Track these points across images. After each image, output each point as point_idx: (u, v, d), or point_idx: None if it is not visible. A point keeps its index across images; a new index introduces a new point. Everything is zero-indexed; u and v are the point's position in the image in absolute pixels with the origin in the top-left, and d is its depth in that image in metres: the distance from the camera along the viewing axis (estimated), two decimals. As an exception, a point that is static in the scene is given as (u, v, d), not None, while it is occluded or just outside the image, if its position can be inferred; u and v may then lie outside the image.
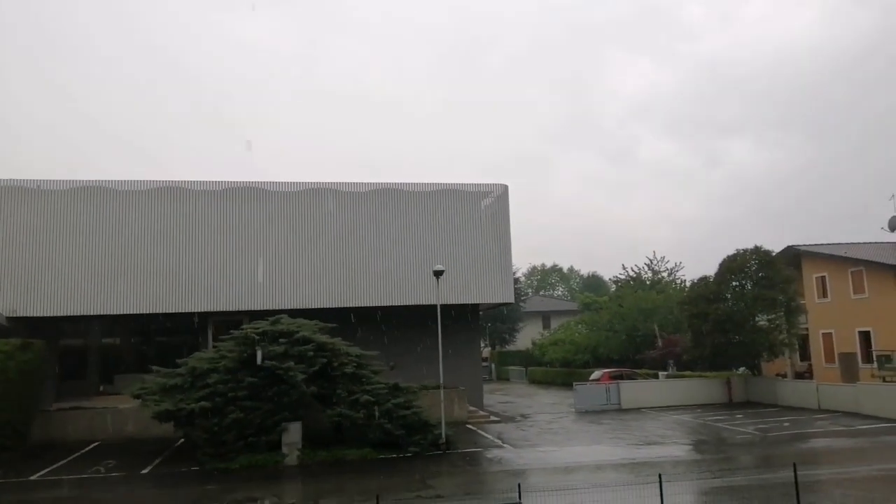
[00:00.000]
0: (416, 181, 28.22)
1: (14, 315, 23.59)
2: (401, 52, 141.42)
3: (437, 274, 21.54)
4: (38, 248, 24.36)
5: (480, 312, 31.78)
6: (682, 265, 68.15)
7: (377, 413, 19.41)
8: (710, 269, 32.90)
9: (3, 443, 19.97)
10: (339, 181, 27.53)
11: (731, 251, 31.52)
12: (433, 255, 26.52)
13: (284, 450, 18.73)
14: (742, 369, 33.28)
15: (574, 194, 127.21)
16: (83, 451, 20.97)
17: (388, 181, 28.05)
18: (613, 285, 63.51)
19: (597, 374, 36.52)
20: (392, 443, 19.48)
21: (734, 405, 30.10)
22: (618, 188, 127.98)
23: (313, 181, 27.27)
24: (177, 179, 26.06)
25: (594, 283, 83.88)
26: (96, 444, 22.09)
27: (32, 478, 17.33)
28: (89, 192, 25.14)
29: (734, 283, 31.22)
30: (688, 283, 45.33)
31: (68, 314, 24.56)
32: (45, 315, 24.21)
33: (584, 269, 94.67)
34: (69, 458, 19.71)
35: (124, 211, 25.27)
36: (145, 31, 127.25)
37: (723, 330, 29.70)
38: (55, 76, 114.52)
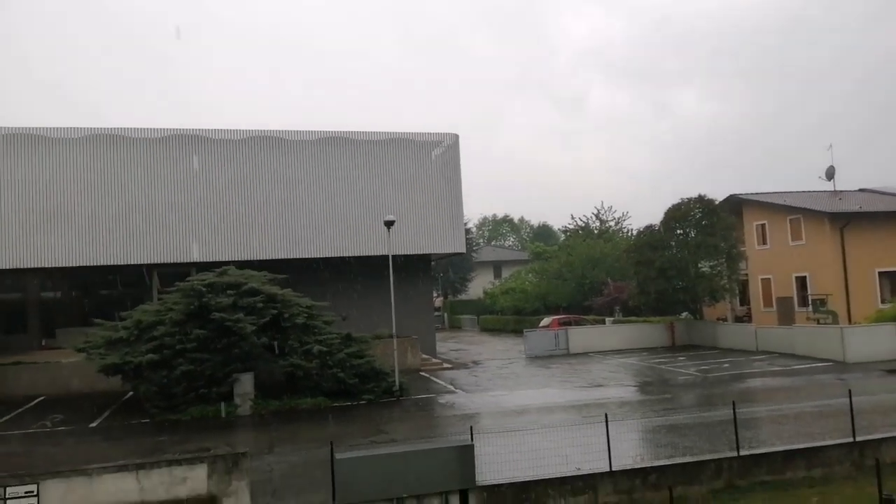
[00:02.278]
0: (365, 129, 27.76)
1: (-57, 269, 22.55)
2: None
3: (389, 224, 21.41)
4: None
5: (432, 262, 31.87)
6: (628, 214, 69.40)
7: (330, 363, 19.45)
8: (656, 217, 33.67)
9: (-61, 400, 19.34)
10: (286, 128, 26.85)
11: (677, 200, 32.27)
12: (384, 206, 26.29)
13: (237, 400, 18.65)
14: (684, 314, 34.45)
15: (525, 143, 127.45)
16: (27, 406, 20.48)
17: (337, 129, 27.48)
18: (563, 235, 64.43)
19: (546, 320, 37.30)
20: (346, 391, 19.61)
21: (677, 348, 31.26)
22: (568, 137, 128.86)
23: (259, 128, 26.52)
24: (115, 126, 24.95)
25: (544, 232, 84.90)
26: (41, 399, 21.57)
27: (-27, 434, 16.87)
28: (21, 140, 23.86)
29: (678, 231, 32.01)
30: (634, 232, 46.30)
31: (2, 267, 23.55)
32: (-23, 269, 23.20)
33: (535, 220, 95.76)
34: (13, 414, 19.24)
35: (60, 159, 24.11)
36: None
37: (667, 276, 30.57)
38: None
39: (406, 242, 26.70)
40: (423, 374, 25.12)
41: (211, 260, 24.03)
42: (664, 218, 32.26)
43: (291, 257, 25.81)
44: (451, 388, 21.96)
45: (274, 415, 18.31)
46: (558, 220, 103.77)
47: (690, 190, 76.51)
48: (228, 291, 19.24)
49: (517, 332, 39.43)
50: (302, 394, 19.49)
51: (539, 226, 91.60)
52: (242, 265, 21.26)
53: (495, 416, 17.35)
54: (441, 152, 28.61)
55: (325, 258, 26.55)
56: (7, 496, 8.38)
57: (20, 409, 19.91)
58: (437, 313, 47.82)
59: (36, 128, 24.20)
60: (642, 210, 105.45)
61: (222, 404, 18.40)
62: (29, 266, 23.90)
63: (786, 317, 32.17)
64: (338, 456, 9.62)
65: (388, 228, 21.44)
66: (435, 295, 49.77)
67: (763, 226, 35.21)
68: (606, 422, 11.34)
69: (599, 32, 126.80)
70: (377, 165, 27.54)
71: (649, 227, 33.36)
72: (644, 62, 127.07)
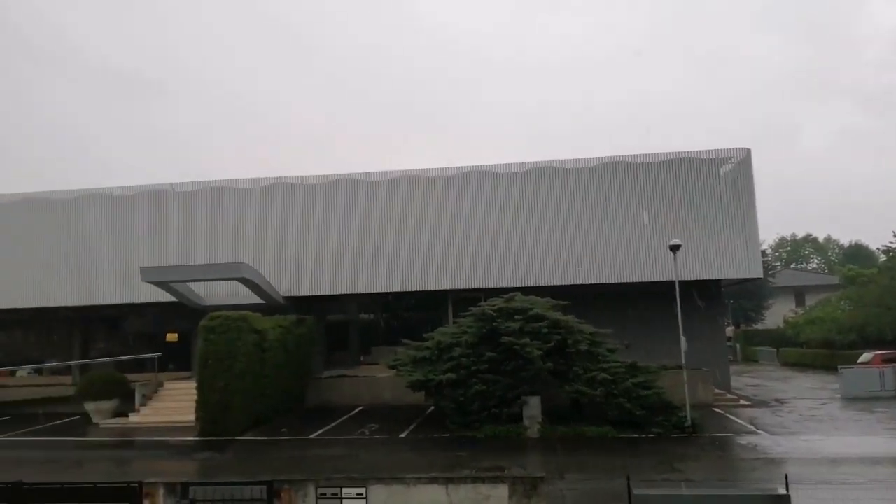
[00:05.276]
0: (642, 152, 27.18)
1: (289, 294, 27.19)
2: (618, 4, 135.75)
3: (674, 249, 20.53)
4: (306, 238, 27.78)
5: (723, 289, 29.70)
6: (974, 229, 57.24)
7: (616, 391, 19.19)
8: None
9: (287, 405, 23.35)
10: (558, 158, 27.50)
11: None
12: (669, 229, 25.28)
13: (526, 422, 19.31)
14: None
15: (827, 153, 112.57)
16: (349, 414, 23.60)
17: (613, 154, 27.37)
18: (883, 255, 55.33)
19: (866, 356, 32.31)
20: (632, 422, 19.12)
21: None
22: (880, 142, 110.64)
23: (535, 160, 27.59)
24: (413, 168, 27.96)
25: (857, 253, 73.89)
26: (360, 408, 24.72)
27: (311, 436, 19.95)
28: (344, 185, 27.98)
29: None
30: None
31: (331, 293, 27.67)
32: (313, 294, 27.56)
33: (844, 238, 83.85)
34: (338, 421, 22.32)
35: (373, 200, 27.78)
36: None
37: None
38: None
39: (693, 267, 25.35)
40: (716, 410, 23.40)
41: (498, 286, 25.46)
42: None
43: (571, 283, 26.11)
44: (752, 427, 20.08)
45: (560, 440, 18.57)
46: (875, 239, 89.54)
47: None
48: (516, 317, 20.11)
49: (827, 368, 34.82)
50: (587, 421, 19.47)
51: (850, 245, 80.00)
52: (526, 292, 22.09)
53: (807, 463, 15.43)
54: (730, 169, 26.70)
55: (605, 284, 26.34)
56: (343, 496, 9.77)
57: (345, 417, 23.05)
58: (728, 344, 44.28)
59: (353, 173, 28.23)
60: None
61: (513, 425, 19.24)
62: (351, 292, 27.78)
63: None
64: (636, 491, 9.41)
65: (674, 253, 20.58)
66: (726, 324, 46.14)
67: None
68: (960, 484, 9.43)
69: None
70: (658, 187, 26.65)
71: None
72: None
